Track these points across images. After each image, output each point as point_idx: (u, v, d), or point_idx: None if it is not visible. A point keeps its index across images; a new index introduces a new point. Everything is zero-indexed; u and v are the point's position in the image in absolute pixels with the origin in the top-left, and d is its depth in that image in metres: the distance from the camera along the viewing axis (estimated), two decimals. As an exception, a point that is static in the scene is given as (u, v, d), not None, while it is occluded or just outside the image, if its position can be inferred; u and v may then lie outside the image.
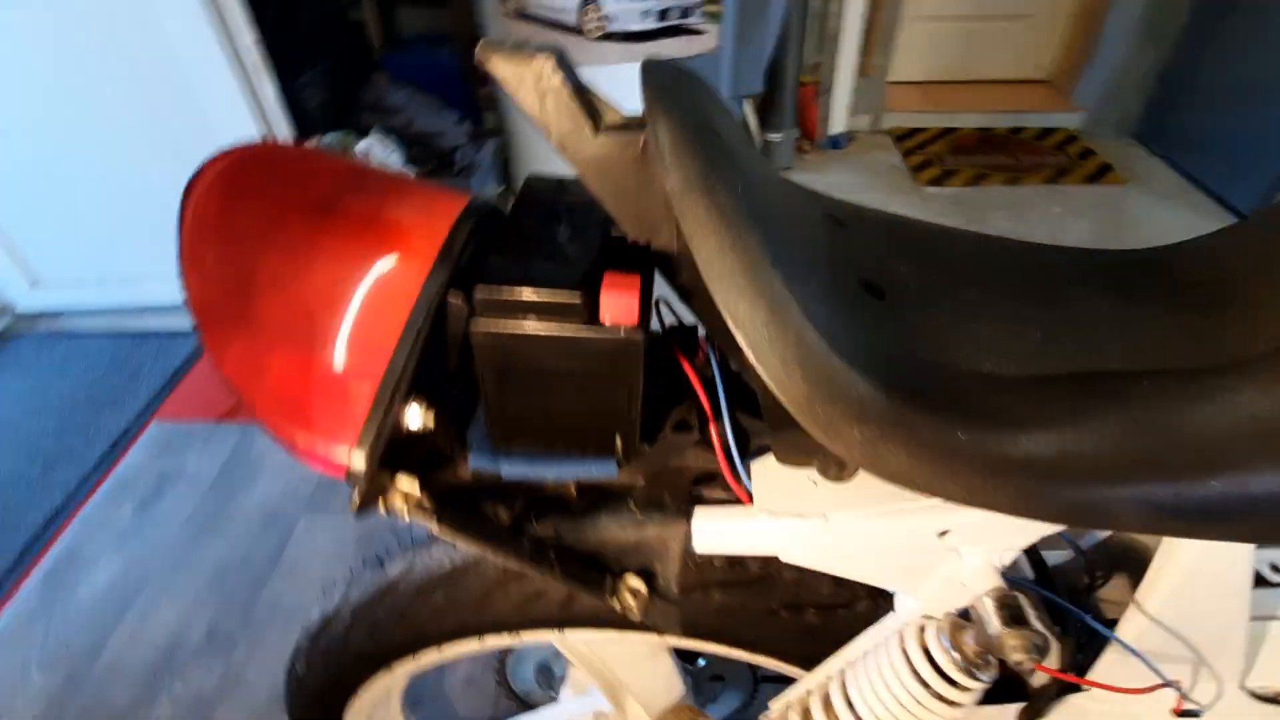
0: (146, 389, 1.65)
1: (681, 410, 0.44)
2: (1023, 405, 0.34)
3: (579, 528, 0.45)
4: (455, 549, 0.51)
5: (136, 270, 1.84)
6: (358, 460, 0.34)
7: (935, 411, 0.32)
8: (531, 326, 0.35)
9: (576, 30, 1.89)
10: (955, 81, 2.86)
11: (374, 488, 0.36)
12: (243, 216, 0.37)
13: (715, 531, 0.43)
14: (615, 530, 0.45)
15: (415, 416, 0.35)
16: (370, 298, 0.35)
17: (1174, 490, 0.31)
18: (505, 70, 0.34)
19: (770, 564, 0.46)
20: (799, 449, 0.42)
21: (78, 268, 1.84)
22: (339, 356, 0.35)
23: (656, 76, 0.36)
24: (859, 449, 0.30)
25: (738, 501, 0.44)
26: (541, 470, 0.42)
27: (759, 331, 0.30)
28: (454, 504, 0.40)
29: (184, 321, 1.88)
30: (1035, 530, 0.42)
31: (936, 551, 0.43)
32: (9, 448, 1.52)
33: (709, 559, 0.48)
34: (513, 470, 0.41)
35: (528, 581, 0.50)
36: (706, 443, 0.43)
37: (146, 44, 1.50)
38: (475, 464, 0.42)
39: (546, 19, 1.92)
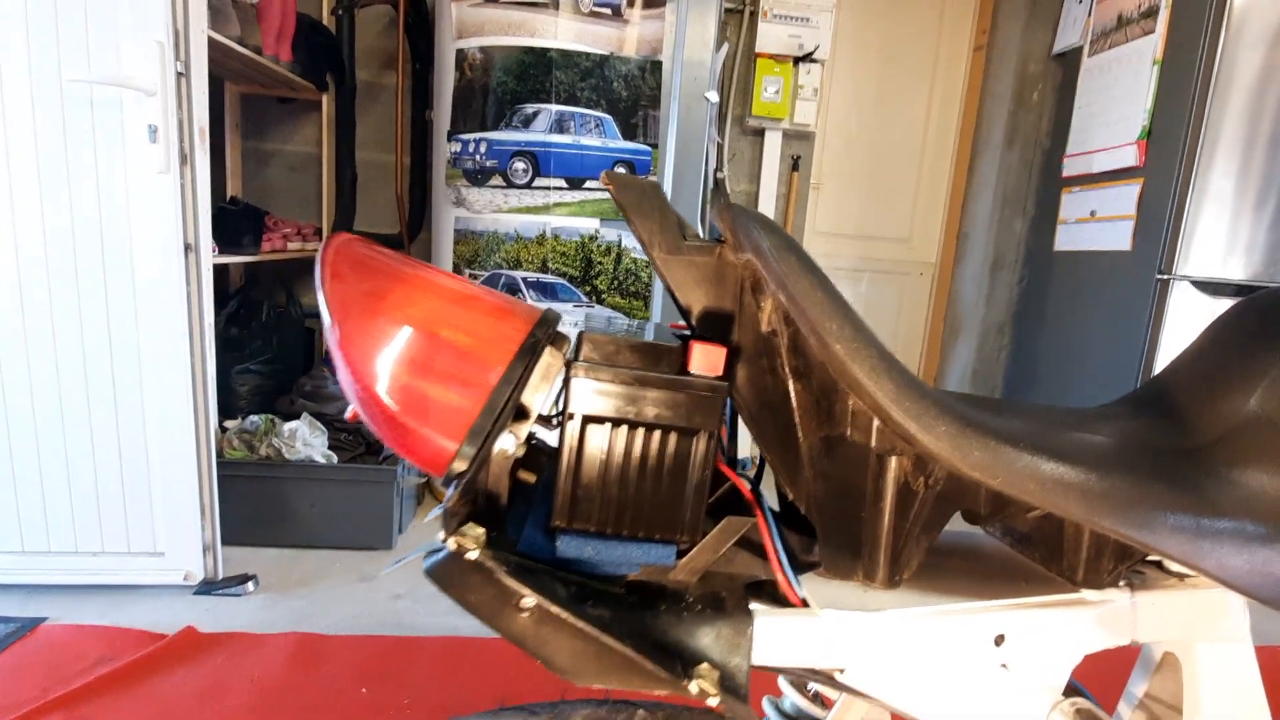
0: (-92, 691, 1.25)
1: (733, 521, 0.43)
2: (1063, 447, 0.38)
3: (638, 618, 0.39)
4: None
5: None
6: (464, 453, 0.33)
7: (993, 426, 0.35)
8: (628, 372, 0.36)
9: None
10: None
11: (460, 509, 0.33)
12: (383, 257, 0.40)
13: (779, 638, 0.40)
14: (677, 624, 0.40)
15: (509, 442, 0.35)
16: (483, 337, 0.38)
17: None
18: (624, 191, 0.42)
19: None
20: (847, 556, 0.41)
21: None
22: (454, 373, 0.38)
23: (744, 210, 0.45)
24: (947, 440, 0.33)
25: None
26: (601, 551, 0.38)
27: (849, 343, 0.34)
28: (516, 569, 0.35)
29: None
30: (1091, 639, 0.42)
31: (993, 669, 0.41)
32: None
33: None
34: (571, 549, 0.38)
35: None
36: (756, 551, 0.42)
37: (109, 305, 1.55)
38: (527, 542, 0.38)
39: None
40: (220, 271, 2.55)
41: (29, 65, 1.46)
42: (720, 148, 2.61)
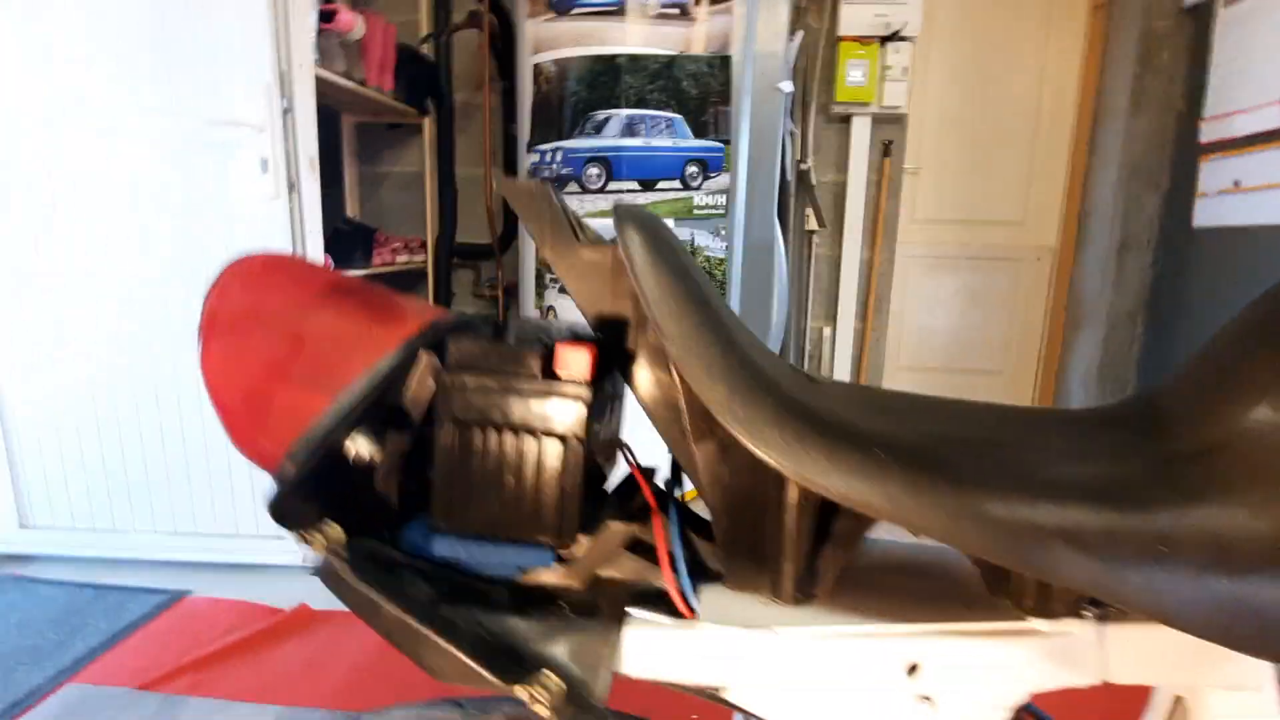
0: (81, 647, 1.49)
1: (631, 525, 0.43)
2: (945, 453, 0.34)
3: (502, 620, 0.40)
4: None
5: (121, 522, 1.85)
6: (294, 456, 0.34)
7: (855, 431, 0.32)
8: (495, 379, 0.38)
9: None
10: (942, 423, 3.12)
11: (298, 506, 0.35)
12: (266, 277, 0.43)
13: (653, 649, 0.38)
14: (541, 629, 0.40)
15: (363, 445, 0.37)
16: (351, 346, 0.40)
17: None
18: (514, 195, 0.43)
19: None
20: (750, 569, 0.40)
21: (68, 514, 1.85)
22: (307, 382, 0.38)
23: (627, 208, 0.45)
24: (780, 450, 0.30)
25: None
26: (475, 553, 0.40)
27: (685, 340, 0.33)
28: (379, 569, 0.37)
29: (151, 578, 1.81)
30: (1040, 675, 0.37)
31: (908, 702, 0.37)
32: (-104, 702, 1.34)
33: None
34: (445, 549, 0.39)
35: None
36: (651, 558, 0.41)
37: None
38: (407, 541, 0.40)
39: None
40: (339, 284, 2.82)
41: (158, 107, 1.71)
42: (801, 138, 2.53)
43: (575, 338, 0.41)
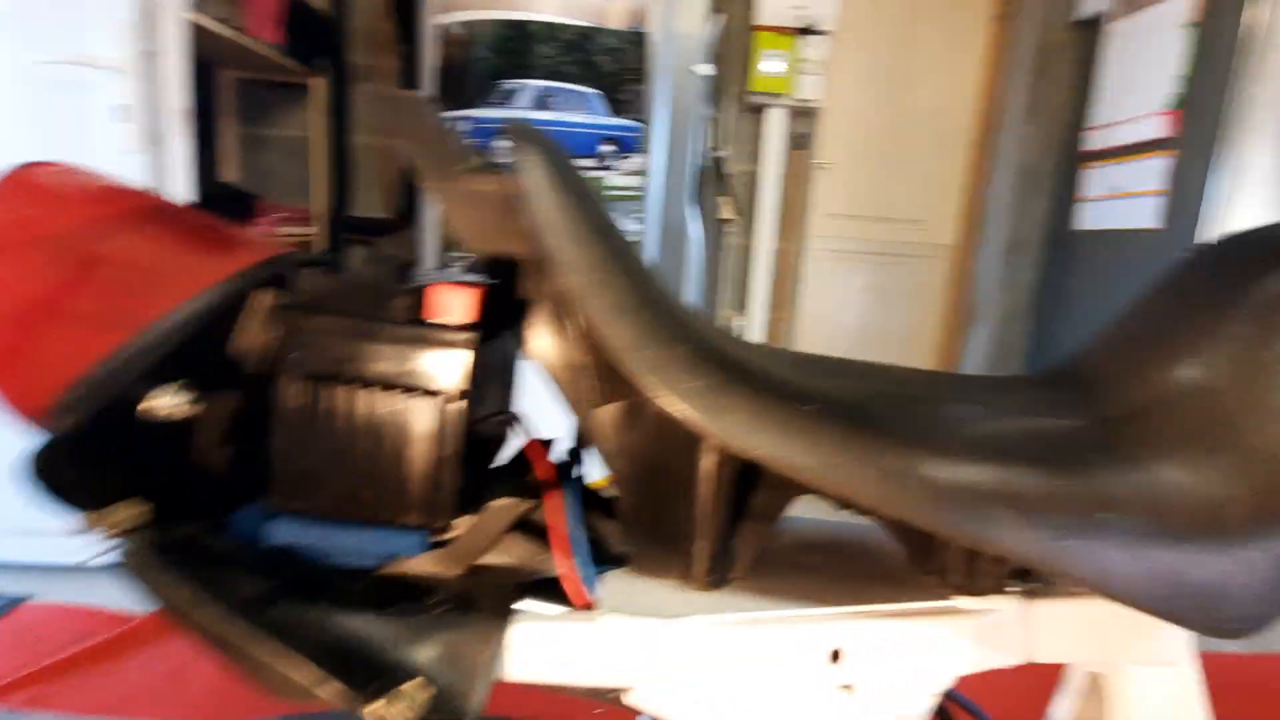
0: (-123, 668, 1.27)
1: (521, 502, 0.37)
2: (877, 411, 0.31)
3: (354, 619, 0.32)
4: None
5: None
6: (68, 404, 0.26)
7: (780, 384, 0.28)
8: (354, 323, 0.30)
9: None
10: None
11: (76, 473, 0.27)
12: (54, 189, 0.34)
13: (546, 648, 0.32)
14: (405, 630, 0.32)
15: (172, 402, 0.29)
16: (157, 278, 0.31)
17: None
18: (389, 107, 0.36)
19: None
20: (658, 549, 0.35)
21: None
22: (98, 314, 0.30)
23: (523, 126, 0.39)
24: (696, 396, 0.25)
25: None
26: (326, 539, 0.32)
27: (589, 272, 0.27)
28: (195, 559, 0.29)
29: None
30: (965, 657, 0.34)
31: (829, 691, 0.33)
32: None
33: None
34: (287, 535, 0.31)
35: None
36: (544, 541, 0.35)
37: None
38: (239, 528, 0.32)
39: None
40: (220, 257, 2.55)
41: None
42: (718, 125, 2.52)
43: (456, 282, 0.34)
